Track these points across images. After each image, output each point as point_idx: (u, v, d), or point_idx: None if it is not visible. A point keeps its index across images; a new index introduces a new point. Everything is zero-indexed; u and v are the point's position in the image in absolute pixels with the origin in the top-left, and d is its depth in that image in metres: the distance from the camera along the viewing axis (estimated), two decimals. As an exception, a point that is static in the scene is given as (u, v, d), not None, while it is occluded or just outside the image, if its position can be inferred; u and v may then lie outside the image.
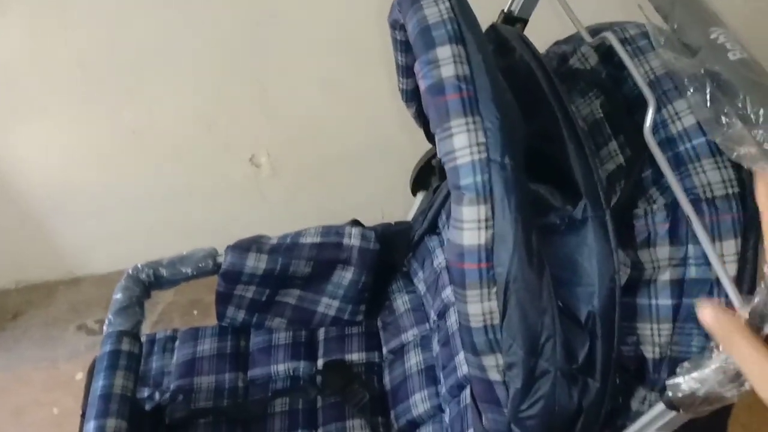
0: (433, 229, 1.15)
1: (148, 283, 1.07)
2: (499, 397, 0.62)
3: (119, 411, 0.92)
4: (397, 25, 0.74)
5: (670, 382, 0.57)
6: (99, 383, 0.94)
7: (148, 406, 1.10)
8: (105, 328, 1.03)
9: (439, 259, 1.12)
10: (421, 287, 1.16)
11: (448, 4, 0.60)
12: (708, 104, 0.54)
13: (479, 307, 0.56)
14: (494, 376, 0.60)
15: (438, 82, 0.56)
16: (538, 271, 0.55)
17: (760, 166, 0.47)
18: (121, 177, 1.65)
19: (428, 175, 1.13)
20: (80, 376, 1.67)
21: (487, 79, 0.56)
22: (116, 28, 1.35)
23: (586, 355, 0.59)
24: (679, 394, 0.56)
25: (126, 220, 1.75)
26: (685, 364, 0.56)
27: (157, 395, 1.12)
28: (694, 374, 0.54)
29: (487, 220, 0.53)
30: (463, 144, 0.54)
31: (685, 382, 0.55)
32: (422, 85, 0.57)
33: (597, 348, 0.59)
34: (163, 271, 1.07)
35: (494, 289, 0.55)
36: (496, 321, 0.57)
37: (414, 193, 1.17)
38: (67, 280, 1.88)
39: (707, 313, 0.45)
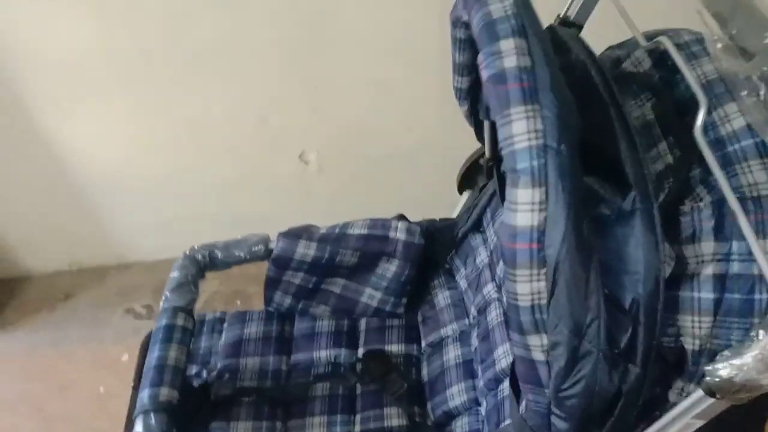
0: (478, 227, 1.18)
1: (203, 263, 1.12)
2: (541, 377, 0.64)
3: (172, 381, 0.97)
4: (458, 23, 0.78)
5: (709, 367, 0.59)
6: (154, 354, 0.99)
7: (195, 383, 1.15)
8: (162, 303, 1.08)
9: (482, 257, 1.14)
10: (463, 284, 1.19)
11: (511, 0, 0.64)
12: (762, 106, 0.57)
13: (528, 286, 0.59)
14: (538, 355, 0.63)
15: (500, 72, 0.59)
16: (586, 255, 0.58)
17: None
18: (175, 167, 1.71)
19: (475, 173, 1.16)
20: (126, 357, 1.73)
21: (547, 71, 0.59)
22: (179, 22, 1.42)
23: (628, 340, 0.61)
24: (717, 380, 0.58)
25: (176, 209, 1.82)
26: (726, 352, 0.58)
27: (204, 373, 1.17)
28: (734, 361, 0.56)
29: (540, 202, 0.56)
30: (522, 130, 0.57)
31: (723, 368, 0.57)
32: (485, 74, 0.60)
33: (639, 334, 0.61)
34: (218, 253, 1.12)
35: (543, 270, 0.58)
36: (544, 301, 0.59)
37: (460, 191, 1.20)
38: (118, 265, 1.95)
39: None
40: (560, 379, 0.62)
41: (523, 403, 0.84)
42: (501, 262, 1.06)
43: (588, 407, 0.63)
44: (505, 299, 0.94)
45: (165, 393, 0.95)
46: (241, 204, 1.80)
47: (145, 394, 0.95)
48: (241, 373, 1.16)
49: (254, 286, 1.87)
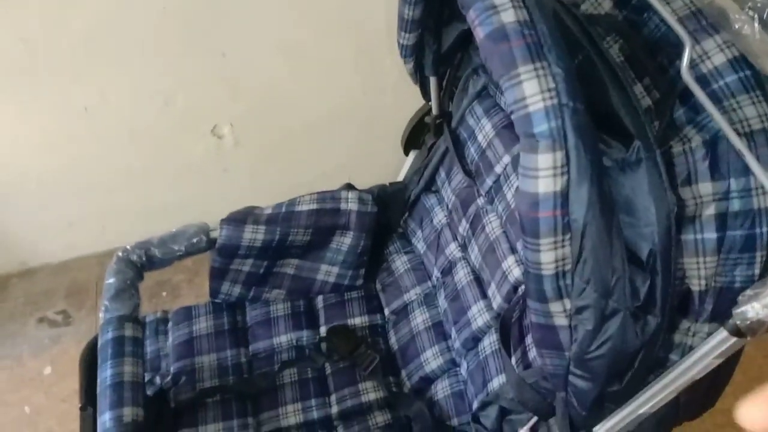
0: (430, 187, 1.15)
1: (140, 264, 1.02)
2: (562, 341, 0.62)
3: (134, 399, 0.89)
4: (412, -23, 0.72)
5: (736, 310, 0.59)
6: (107, 372, 0.90)
7: (150, 392, 1.06)
8: (101, 314, 0.98)
9: (439, 217, 1.11)
10: (421, 246, 1.16)
11: (492, -51, 0.58)
12: (757, 37, 0.56)
13: (553, 254, 0.56)
14: (560, 321, 0.61)
15: (500, 28, 0.54)
16: (609, 215, 0.56)
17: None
18: (73, 161, 1.55)
19: (420, 133, 1.12)
20: (48, 370, 1.59)
21: (545, 24, 0.55)
22: (60, 3, 1.26)
23: (646, 292, 0.60)
24: (748, 322, 0.58)
25: (80, 206, 1.66)
26: (748, 292, 0.59)
27: (158, 379, 1.08)
28: (762, 300, 0.56)
29: (562, 166, 0.53)
30: (534, 90, 0.53)
31: (752, 309, 0.57)
32: (480, 32, 0.56)
33: (657, 284, 0.60)
34: (155, 251, 1.03)
35: (568, 236, 0.55)
36: (568, 267, 0.57)
37: (406, 152, 1.15)
38: (21, 272, 1.77)
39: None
40: (587, 341, 0.60)
41: (514, 361, 0.83)
42: (509, 230, 0.96)
43: (613, 365, 0.62)
44: (515, 272, 0.90)
45: (128, 413, 0.87)
46: (152, 191, 1.67)
47: (107, 418, 0.86)
48: (199, 374, 1.08)
49: (180, 273, 1.77)
